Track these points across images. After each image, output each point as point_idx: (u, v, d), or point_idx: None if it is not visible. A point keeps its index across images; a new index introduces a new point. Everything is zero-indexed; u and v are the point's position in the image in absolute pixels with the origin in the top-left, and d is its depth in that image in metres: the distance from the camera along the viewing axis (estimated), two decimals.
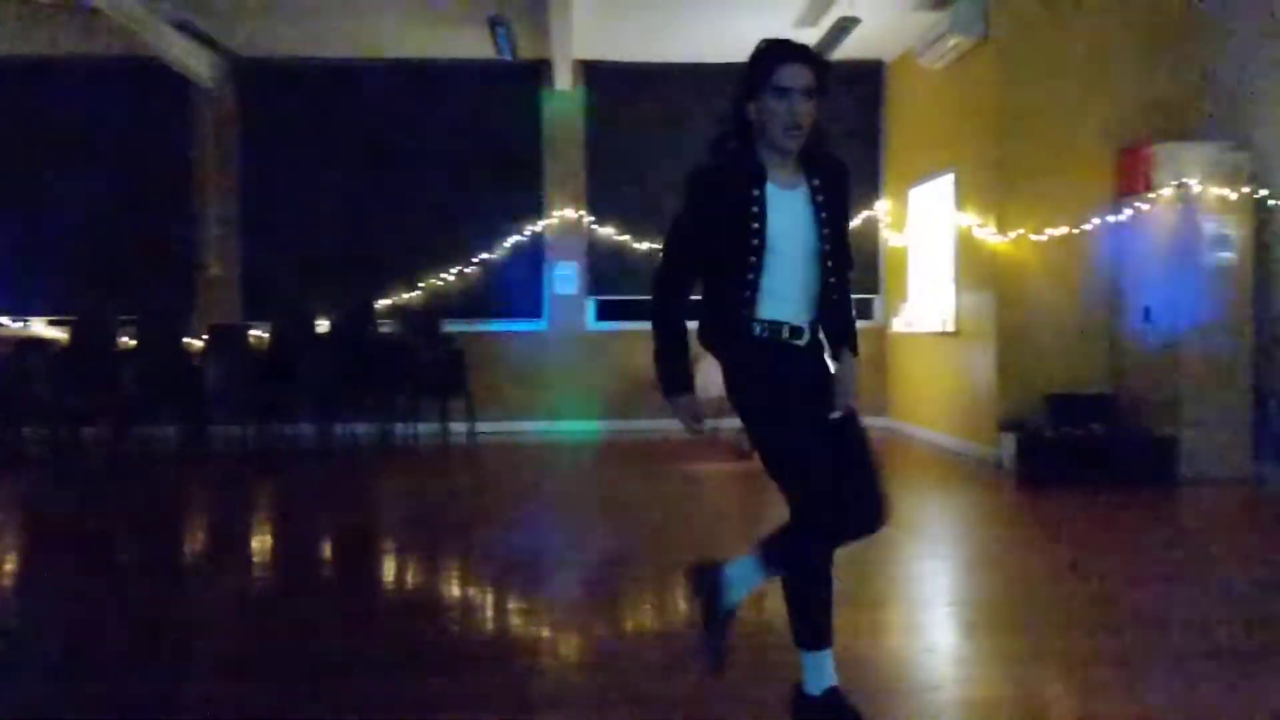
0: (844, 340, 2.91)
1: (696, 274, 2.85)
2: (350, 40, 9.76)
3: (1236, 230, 7.21)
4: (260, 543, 6.10)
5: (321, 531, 6.31)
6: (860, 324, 9.93)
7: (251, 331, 9.96)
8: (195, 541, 6.29)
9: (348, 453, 9.22)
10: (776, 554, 2.87)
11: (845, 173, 2.93)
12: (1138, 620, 4.02)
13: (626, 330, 10.58)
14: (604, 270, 10.57)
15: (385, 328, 10.22)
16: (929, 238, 9.74)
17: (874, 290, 10.81)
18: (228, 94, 10.30)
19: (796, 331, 2.81)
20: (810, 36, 9.26)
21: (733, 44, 9.75)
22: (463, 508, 6.97)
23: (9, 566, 5.38)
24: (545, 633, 3.96)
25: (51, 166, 10.14)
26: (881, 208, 10.62)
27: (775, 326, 2.78)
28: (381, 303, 10.28)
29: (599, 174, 10.55)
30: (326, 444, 9.38)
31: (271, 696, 3.24)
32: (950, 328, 8.98)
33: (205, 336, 9.82)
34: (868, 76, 10.63)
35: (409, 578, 5.10)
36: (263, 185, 10.39)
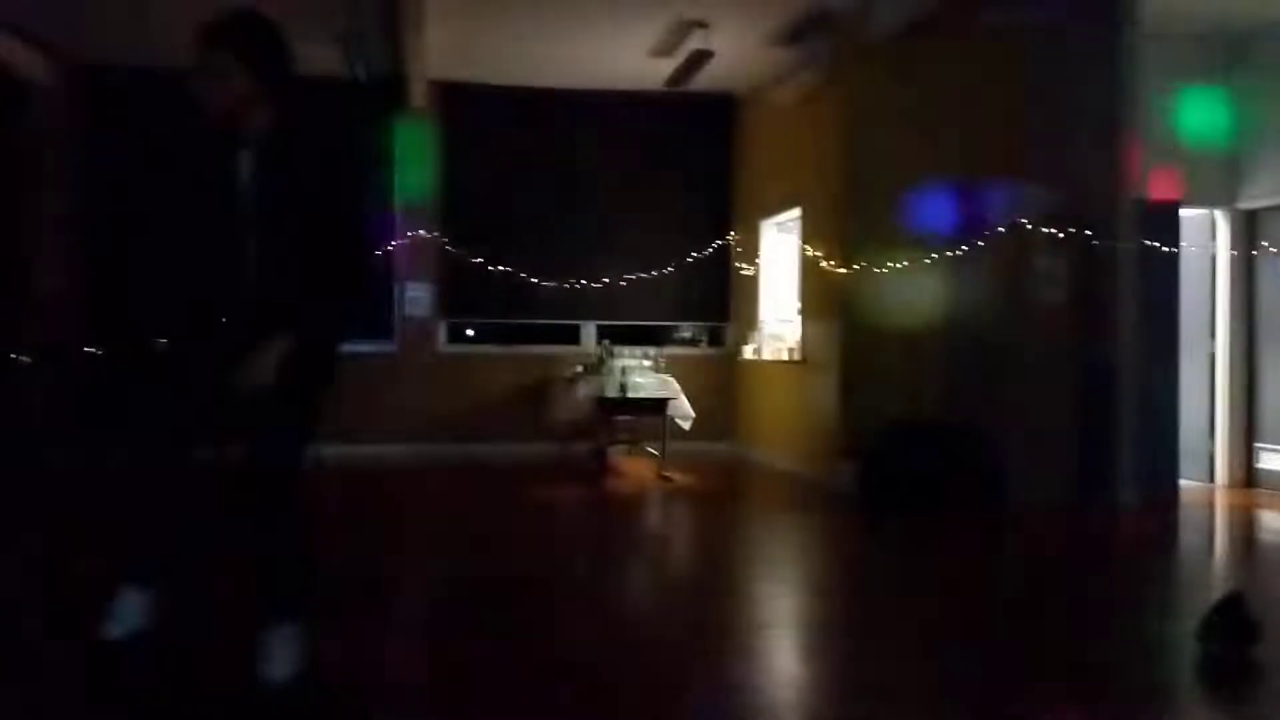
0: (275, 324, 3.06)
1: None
2: (182, 52, 9.44)
3: (1064, 268, 7.61)
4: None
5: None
6: (712, 351, 10.07)
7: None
8: None
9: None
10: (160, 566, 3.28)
11: (304, 141, 3.18)
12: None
13: (478, 353, 10.55)
14: (458, 293, 10.48)
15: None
16: (778, 269, 9.98)
17: (725, 319, 11.00)
18: (65, 98, 9.85)
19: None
20: (665, 67, 9.42)
21: (590, 70, 9.95)
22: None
23: None
24: (388, 659, 3.88)
25: None
26: (733, 239, 10.83)
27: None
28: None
29: (454, 194, 10.46)
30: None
31: None
32: (796, 356, 9.20)
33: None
34: (721, 109, 10.84)
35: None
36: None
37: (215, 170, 3.00)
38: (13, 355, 9.31)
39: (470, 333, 10.83)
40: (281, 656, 3.06)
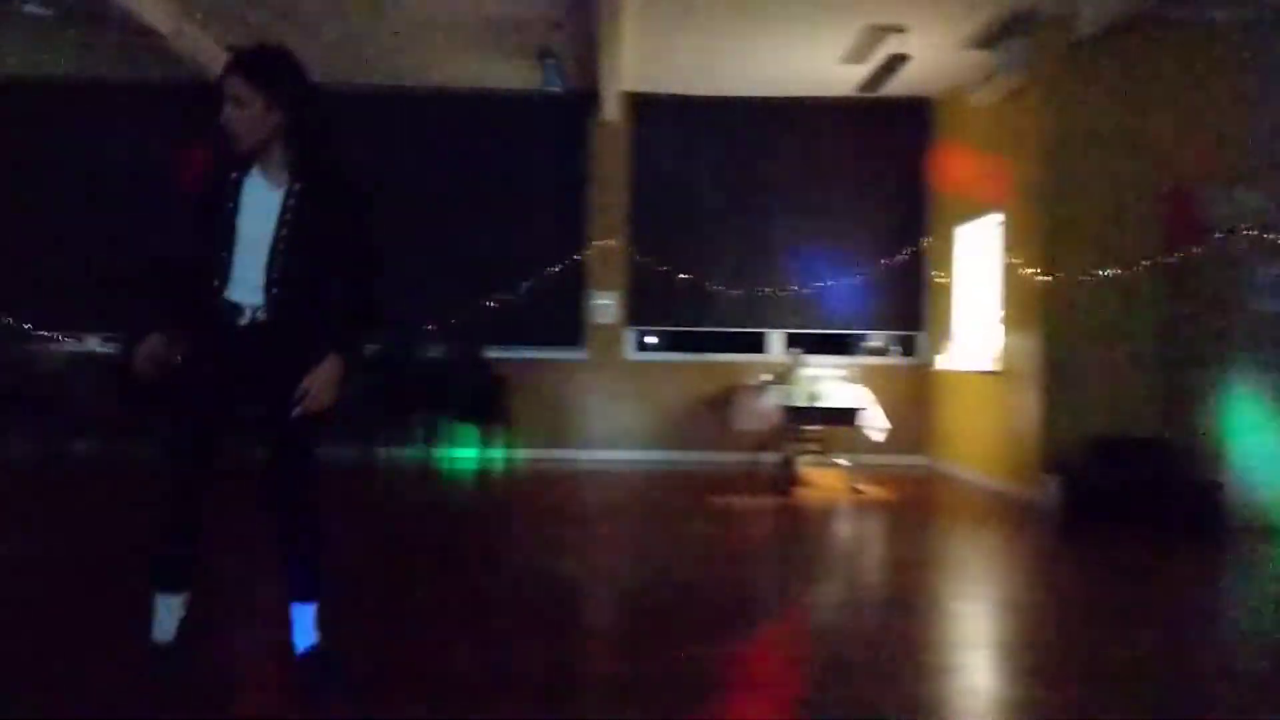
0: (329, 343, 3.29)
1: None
2: (394, 70, 9.87)
3: None
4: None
5: (358, 549, 6.30)
6: (904, 361, 9.85)
7: None
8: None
9: (386, 476, 9.26)
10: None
11: (336, 188, 3.30)
12: (1179, 672, 3.92)
13: (664, 361, 10.63)
14: (645, 301, 10.59)
15: (430, 352, 10.26)
16: (976, 276, 9.68)
17: (918, 328, 10.74)
18: None
19: (252, 311, 3.23)
20: (858, 73, 9.27)
21: (782, 78, 9.90)
22: (497, 536, 6.95)
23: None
24: (571, 663, 3.92)
25: (105, 191, 10.32)
26: (928, 246, 10.56)
27: (237, 307, 3.23)
28: (426, 327, 10.33)
29: (643, 204, 10.58)
30: (367, 466, 9.43)
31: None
32: (996, 366, 8.89)
33: None
34: (916, 113, 10.60)
35: (434, 602, 5.07)
36: None
37: (231, 198, 3.21)
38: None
39: (652, 340, 10.93)
40: (307, 628, 3.39)
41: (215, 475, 3.29)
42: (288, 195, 3.20)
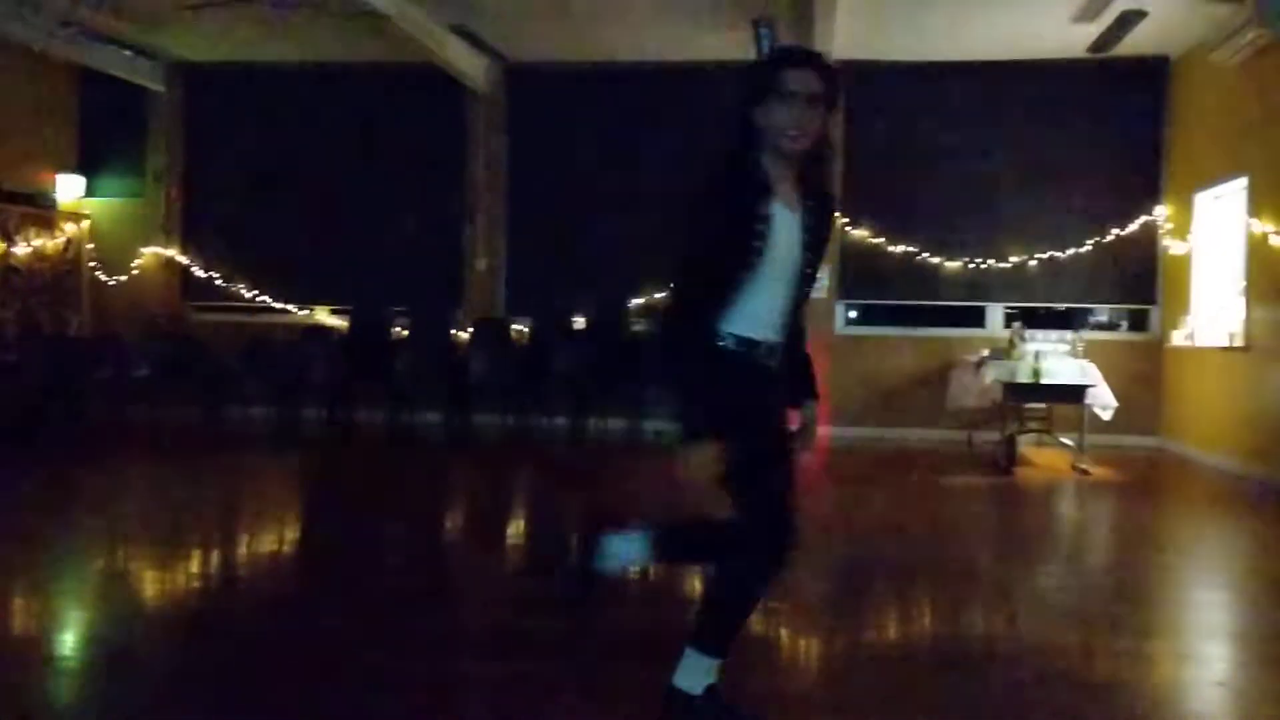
0: (807, 381, 2.98)
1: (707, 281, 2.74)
2: (613, 44, 9.99)
3: None
4: (516, 527, 6.34)
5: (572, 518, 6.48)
6: (1135, 336, 9.37)
7: (514, 326, 10.38)
8: (469, 521, 6.60)
9: (599, 447, 9.47)
10: (681, 549, 3.06)
11: (834, 207, 2.90)
12: None
13: (878, 334, 10.41)
14: (857, 274, 10.39)
15: (638, 326, 10.40)
16: (1215, 245, 9.06)
17: (1151, 301, 10.14)
18: (499, 97, 10.77)
19: (771, 350, 2.78)
20: (1090, 32, 8.80)
21: (1008, 41, 9.48)
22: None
23: (290, 534, 5.82)
24: (786, 634, 3.91)
25: (335, 166, 10.94)
26: (1162, 214, 9.94)
27: (752, 344, 2.74)
28: (635, 301, 10.47)
29: (857, 174, 10.35)
30: (579, 437, 9.66)
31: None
32: (1239, 343, 8.31)
33: (471, 329, 10.32)
34: (1152, 73, 9.95)
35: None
36: (529, 186, 10.81)
37: (763, 216, 2.70)
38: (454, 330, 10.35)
39: (853, 314, 10.68)
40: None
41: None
42: (806, 214, 2.77)
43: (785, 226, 2.72)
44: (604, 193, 10.60)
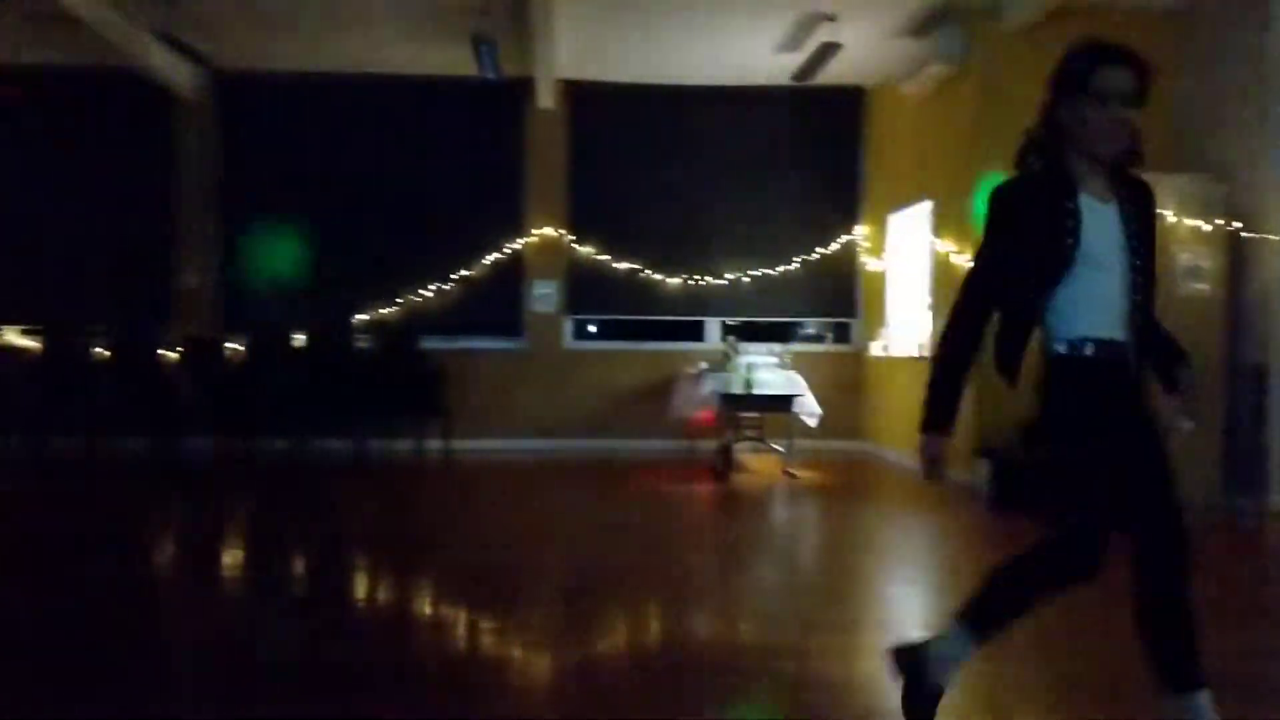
0: (1174, 351, 2.76)
1: (996, 306, 2.75)
2: (332, 56, 9.75)
3: (1210, 262, 7.29)
4: (232, 557, 6.05)
5: (295, 546, 6.26)
6: (839, 348, 9.93)
7: (227, 344, 9.90)
8: (164, 555, 6.23)
9: (320, 469, 9.17)
10: (987, 612, 2.78)
11: (1153, 195, 2.77)
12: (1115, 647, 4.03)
13: (603, 349, 10.65)
14: (583, 289, 10.58)
15: (362, 343, 10.17)
16: (907, 263, 9.81)
17: (852, 315, 10.87)
18: (210, 106, 10.28)
19: (1120, 348, 2.64)
20: (792, 61, 9.34)
21: (718, 67, 9.92)
22: (435, 525, 6.93)
23: None
24: (514, 652, 3.94)
25: (30, 176, 10.10)
26: (861, 234, 10.68)
27: (1099, 344, 2.62)
28: (359, 318, 10.24)
29: (580, 193, 10.57)
30: (299, 460, 9.33)
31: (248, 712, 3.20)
32: (926, 352, 9.02)
33: (179, 348, 9.77)
34: (850, 103, 10.70)
35: (380, 594, 5.07)
36: (243, 198, 10.36)
37: (1072, 217, 2.58)
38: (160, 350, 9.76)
39: (592, 329, 10.94)
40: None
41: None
42: (1121, 204, 2.64)
43: (1097, 220, 2.60)
44: (327, 206, 10.32)
